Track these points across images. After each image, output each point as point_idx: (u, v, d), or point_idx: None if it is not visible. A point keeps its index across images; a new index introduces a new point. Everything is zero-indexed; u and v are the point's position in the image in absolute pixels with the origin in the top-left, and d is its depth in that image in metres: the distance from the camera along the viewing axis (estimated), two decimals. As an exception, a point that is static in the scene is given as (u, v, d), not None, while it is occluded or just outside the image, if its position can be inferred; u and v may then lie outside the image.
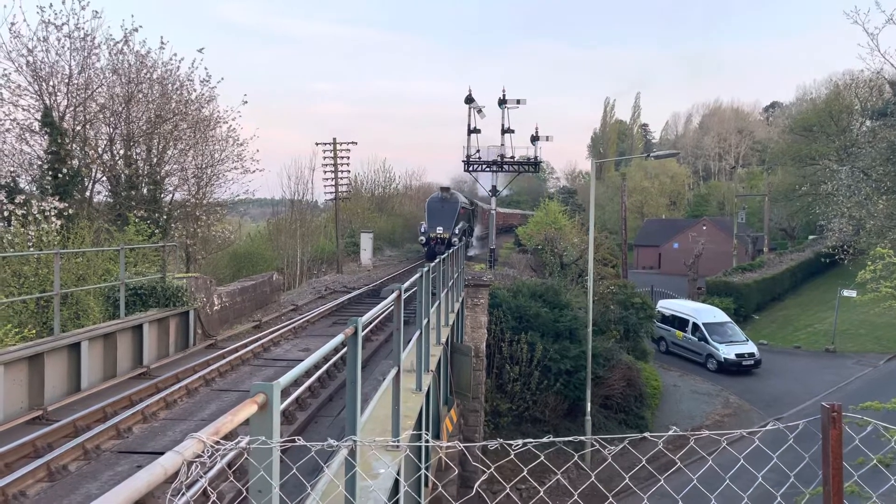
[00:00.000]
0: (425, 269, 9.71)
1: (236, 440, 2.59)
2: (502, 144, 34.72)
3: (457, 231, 37.40)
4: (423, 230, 38.19)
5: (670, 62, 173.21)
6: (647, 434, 2.51)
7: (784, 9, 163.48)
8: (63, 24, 19.89)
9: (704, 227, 71.18)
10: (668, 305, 38.38)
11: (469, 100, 33.93)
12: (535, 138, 34.77)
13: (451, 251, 16.41)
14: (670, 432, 2.66)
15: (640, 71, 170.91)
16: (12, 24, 19.15)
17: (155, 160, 23.86)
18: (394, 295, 6.38)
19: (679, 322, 36.36)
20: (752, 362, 32.97)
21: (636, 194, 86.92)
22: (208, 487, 2.59)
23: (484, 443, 2.47)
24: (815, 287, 51.72)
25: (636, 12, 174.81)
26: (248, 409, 2.47)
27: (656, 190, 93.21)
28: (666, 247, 74.70)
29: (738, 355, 32.95)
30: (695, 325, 35.17)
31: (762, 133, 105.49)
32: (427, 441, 5.44)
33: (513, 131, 34.97)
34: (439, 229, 36.92)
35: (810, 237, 63.27)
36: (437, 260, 12.34)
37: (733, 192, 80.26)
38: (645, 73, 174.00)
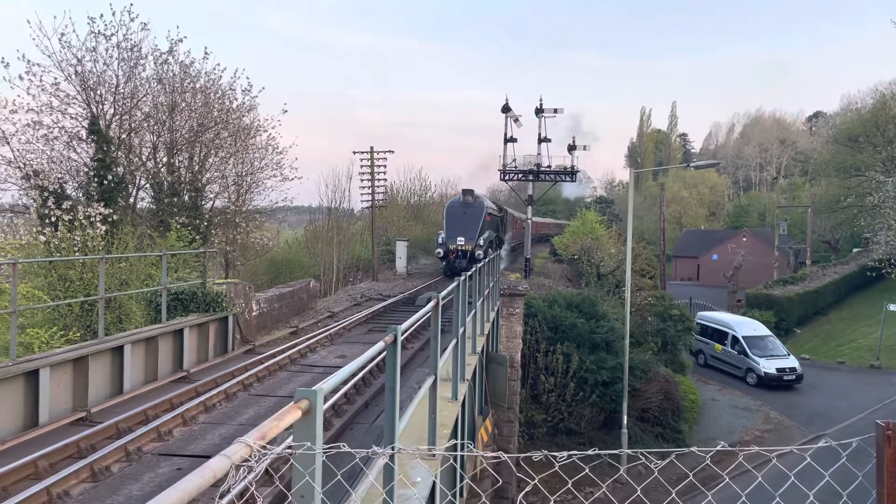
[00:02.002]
0: (462, 278, 9.69)
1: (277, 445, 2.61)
2: (539, 153, 34.72)
3: (482, 242, 31.86)
4: (440, 240, 32.51)
5: (711, 71, 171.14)
6: (693, 448, 2.46)
7: (828, 17, 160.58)
8: (112, 35, 20.41)
9: (745, 239, 70.02)
10: (706, 318, 37.76)
11: (506, 109, 34.00)
12: (571, 147, 34.68)
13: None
14: (718, 447, 2.61)
15: (679, 79, 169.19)
16: (62, 34, 19.70)
17: (196, 168, 24.30)
18: (432, 303, 6.38)
19: (718, 335, 35.75)
20: (794, 377, 32.22)
21: (675, 204, 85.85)
22: (255, 492, 2.61)
23: (528, 454, 2.45)
24: (859, 301, 50.40)
25: (675, 21, 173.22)
26: (292, 415, 2.50)
27: (695, 200, 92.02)
28: (705, 258, 73.64)
29: (779, 370, 32.24)
30: (734, 338, 34.53)
31: (805, 143, 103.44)
32: (470, 451, 5.42)
33: (549, 140, 35.00)
34: (460, 240, 31.57)
35: (855, 250, 61.77)
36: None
37: (775, 203, 78.87)
38: (684, 82, 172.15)
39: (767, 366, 32.43)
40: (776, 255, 59.37)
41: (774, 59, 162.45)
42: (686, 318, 32.12)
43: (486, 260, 16.37)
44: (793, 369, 32.41)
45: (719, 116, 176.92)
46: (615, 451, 2.49)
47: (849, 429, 24.36)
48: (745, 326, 35.43)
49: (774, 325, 40.86)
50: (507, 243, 42.94)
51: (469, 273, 10.93)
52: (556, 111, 34.44)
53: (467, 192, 33.82)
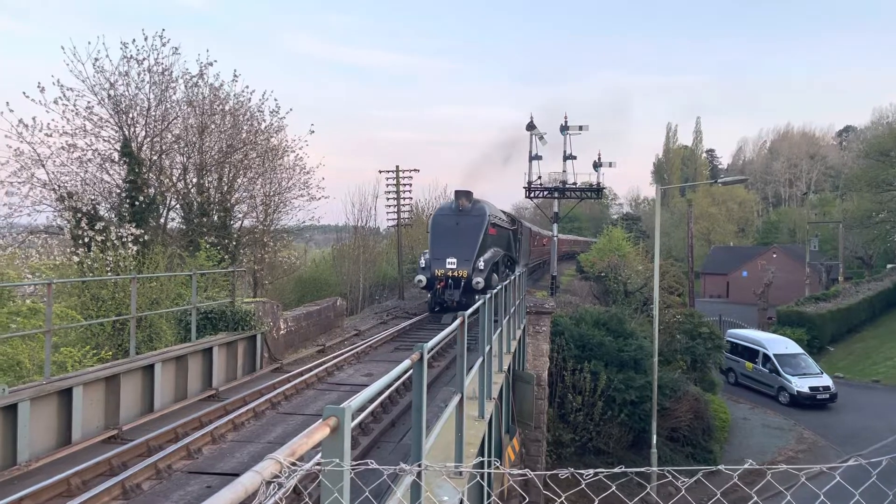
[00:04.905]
0: (487, 295, 9.66)
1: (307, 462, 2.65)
2: (564, 171, 34.65)
3: (482, 265, 23.50)
4: (423, 264, 24.14)
5: (738, 86, 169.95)
6: (721, 466, 2.45)
7: (858, 31, 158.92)
8: (144, 60, 20.89)
9: (775, 255, 69.16)
10: (737, 335, 37.24)
11: (530, 126, 34.02)
12: (597, 164, 34.59)
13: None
14: (746, 465, 2.59)
15: (706, 95, 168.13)
16: (96, 59, 20.21)
17: (225, 188, 24.66)
18: (458, 321, 6.40)
19: (749, 353, 35.21)
20: (828, 396, 31.57)
21: (703, 221, 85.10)
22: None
23: (555, 471, 2.45)
24: (894, 318, 49.40)
25: (702, 36, 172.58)
26: (321, 432, 2.54)
27: (724, 216, 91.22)
28: (734, 275, 72.78)
29: (812, 388, 31.62)
30: (765, 357, 33.97)
31: (835, 158, 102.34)
32: (497, 468, 5.42)
33: (575, 157, 34.89)
34: (450, 262, 23.44)
35: (889, 266, 60.65)
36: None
37: (805, 218, 77.83)
38: (711, 98, 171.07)
39: (800, 384, 31.82)
40: (807, 271, 58.48)
41: (803, 73, 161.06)
42: (716, 336, 31.70)
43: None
44: (826, 388, 31.77)
45: (747, 132, 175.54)
46: (642, 469, 2.49)
47: (885, 448, 23.80)
48: (777, 344, 34.86)
49: (807, 343, 40.17)
50: (524, 265, 34.21)
51: (494, 292, 10.80)
52: (581, 128, 34.42)
53: (462, 195, 25.17)
